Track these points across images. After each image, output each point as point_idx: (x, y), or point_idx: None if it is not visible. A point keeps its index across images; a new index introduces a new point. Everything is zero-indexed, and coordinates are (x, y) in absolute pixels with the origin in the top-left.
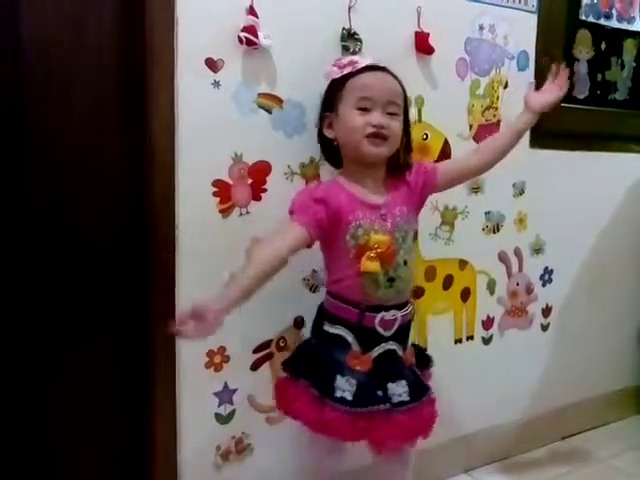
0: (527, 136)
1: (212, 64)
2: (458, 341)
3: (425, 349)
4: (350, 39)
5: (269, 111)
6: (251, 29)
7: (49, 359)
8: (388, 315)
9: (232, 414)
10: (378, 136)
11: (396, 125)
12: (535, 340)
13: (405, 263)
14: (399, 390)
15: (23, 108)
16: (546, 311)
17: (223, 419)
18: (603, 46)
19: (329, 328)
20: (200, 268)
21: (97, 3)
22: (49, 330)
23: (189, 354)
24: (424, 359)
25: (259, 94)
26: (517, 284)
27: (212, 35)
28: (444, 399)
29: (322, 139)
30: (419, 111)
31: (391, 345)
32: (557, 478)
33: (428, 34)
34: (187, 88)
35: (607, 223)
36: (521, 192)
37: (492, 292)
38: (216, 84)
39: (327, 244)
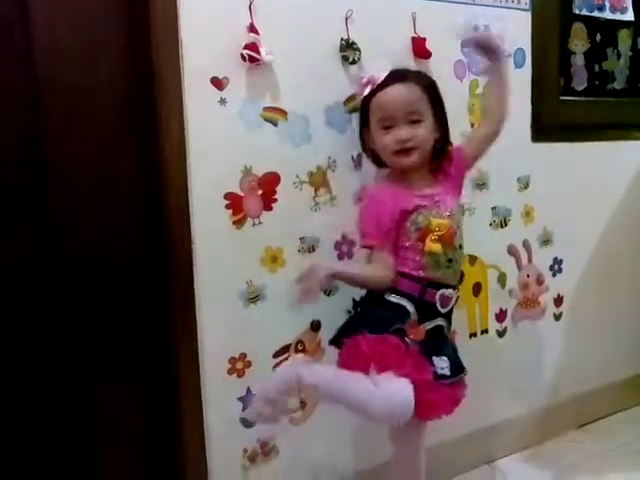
0: (529, 130)
1: (217, 83)
2: (473, 335)
3: None
4: (349, 49)
5: (275, 124)
6: (253, 46)
7: (78, 370)
8: (447, 292)
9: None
10: (405, 150)
11: (421, 131)
12: (549, 330)
13: (460, 247)
14: (442, 364)
15: (42, 141)
16: (558, 301)
17: (248, 423)
18: (598, 37)
19: (392, 298)
20: (218, 279)
21: (106, 34)
22: (78, 343)
23: (212, 362)
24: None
25: (264, 108)
26: (528, 276)
27: (216, 55)
28: None
29: (367, 149)
30: None
31: (441, 321)
32: (577, 466)
33: (424, 39)
34: (195, 107)
35: (613, 210)
36: (526, 186)
37: (503, 285)
38: (222, 101)
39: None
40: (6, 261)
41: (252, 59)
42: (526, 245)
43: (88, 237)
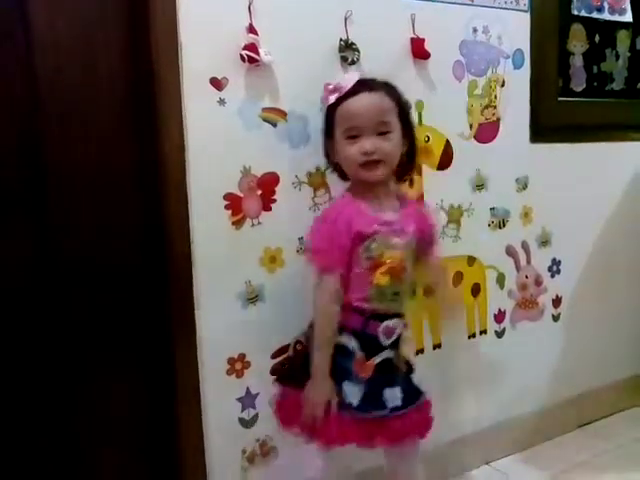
0: (527, 131)
1: (217, 83)
2: (472, 336)
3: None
4: (348, 49)
5: (274, 124)
6: (252, 47)
7: (77, 371)
8: (391, 323)
9: (255, 418)
10: (370, 162)
11: (387, 144)
12: (547, 330)
13: (407, 279)
14: (394, 396)
15: (41, 142)
16: (556, 302)
17: (247, 423)
18: (597, 39)
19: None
20: (217, 279)
21: (105, 35)
22: (76, 344)
23: (211, 363)
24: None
25: (263, 109)
26: (526, 277)
27: (215, 55)
28: (462, 394)
29: (331, 161)
30: (419, 115)
31: (389, 353)
32: (576, 466)
33: (423, 40)
34: (194, 108)
35: (612, 211)
36: (524, 186)
37: (502, 286)
38: (222, 102)
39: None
40: (6, 261)
41: (251, 60)
42: (525, 246)
43: (87, 237)
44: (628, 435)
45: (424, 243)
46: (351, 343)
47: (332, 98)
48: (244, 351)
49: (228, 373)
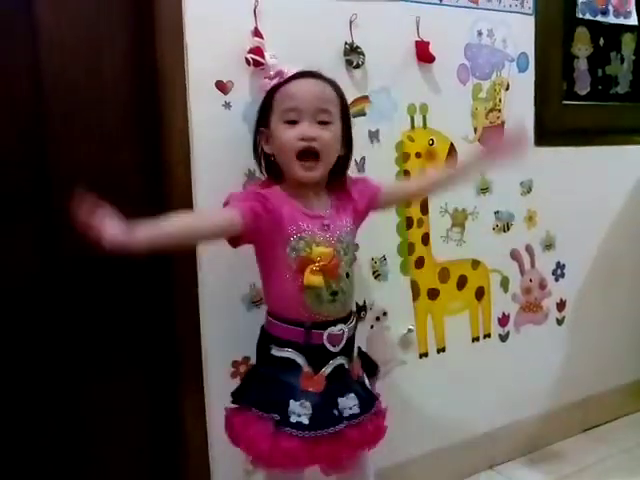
0: (532, 134)
1: (222, 86)
2: (475, 339)
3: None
4: (353, 53)
5: None
6: (257, 50)
7: (80, 374)
8: (336, 330)
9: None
10: (309, 153)
11: (328, 135)
12: (551, 334)
13: (347, 275)
14: (349, 403)
15: (45, 142)
16: (560, 305)
17: None
18: (602, 42)
19: (276, 352)
20: (221, 282)
21: (110, 37)
22: (79, 346)
23: (215, 365)
24: (370, 367)
25: None
26: (530, 280)
27: (221, 59)
28: (465, 397)
29: (259, 154)
30: (424, 118)
31: (340, 360)
32: (581, 471)
33: (428, 43)
34: (200, 111)
35: (616, 215)
36: (529, 190)
37: (506, 289)
38: (227, 105)
39: (266, 258)
40: (10, 261)
41: (256, 63)
42: (529, 249)
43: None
44: (633, 439)
45: (390, 196)
46: (297, 357)
47: (272, 82)
48: (248, 354)
49: (232, 376)
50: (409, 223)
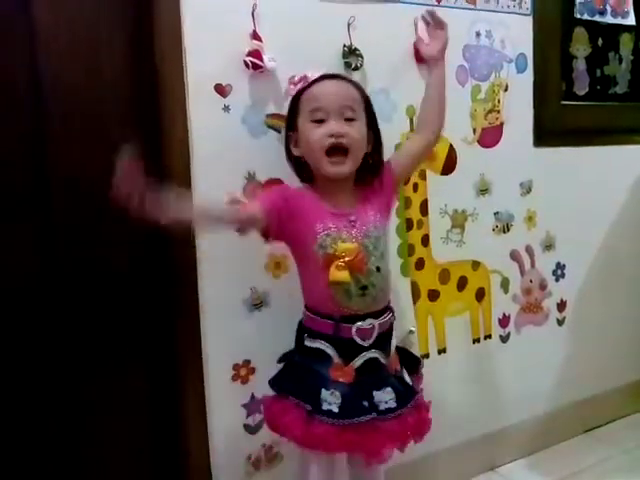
0: (531, 135)
1: (221, 90)
2: (476, 341)
3: (409, 350)
4: (351, 55)
5: (278, 130)
6: (256, 53)
7: (80, 376)
8: (365, 324)
9: (260, 424)
10: (337, 149)
11: (355, 131)
12: (552, 335)
13: (378, 270)
14: (385, 397)
15: (44, 143)
16: (561, 306)
17: (252, 429)
18: (600, 42)
19: (309, 343)
20: (221, 285)
21: (109, 41)
22: (80, 348)
23: (216, 369)
24: (412, 362)
25: (267, 115)
26: (530, 281)
27: (219, 62)
28: (466, 398)
29: (291, 158)
30: None
31: (373, 353)
32: (582, 471)
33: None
34: (199, 114)
35: (616, 215)
36: (528, 190)
37: (506, 290)
38: (226, 108)
39: (298, 256)
40: (10, 262)
41: (255, 66)
42: (529, 250)
43: (91, 241)
44: (634, 440)
45: (400, 166)
46: (328, 349)
47: (297, 87)
48: (249, 357)
49: (233, 379)
50: (409, 225)
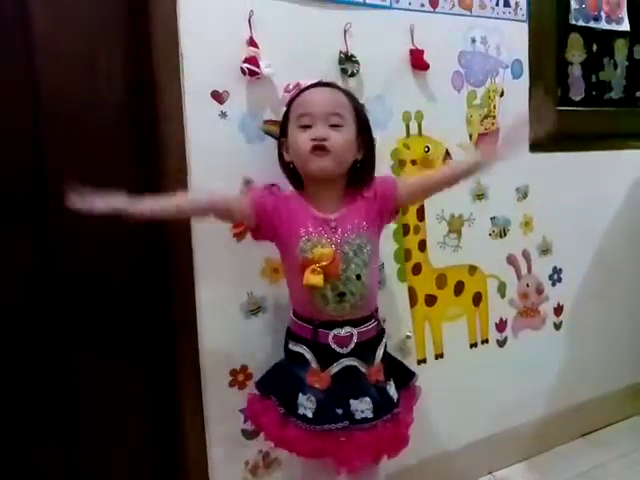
0: (527, 140)
1: (218, 96)
2: (473, 345)
3: (403, 363)
4: (348, 61)
5: (275, 136)
6: (252, 60)
7: (78, 380)
8: (342, 332)
9: (258, 430)
10: (319, 149)
11: (338, 136)
12: (549, 339)
13: (358, 277)
14: (362, 407)
15: (42, 147)
16: (558, 310)
17: (249, 435)
18: (595, 48)
19: (292, 346)
20: (219, 291)
21: (106, 47)
22: (78, 352)
23: (213, 374)
24: (404, 376)
25: (264, 121)
26: (527, 285)
27: (216, 68)
28: (464, 403)
29: (283, 164)
30: (419, 125)
31: (351, 361)
32: (580, 475)
33: (422, 51)
34: (196, 121)
35: (612, 220)
36: (525, 195)
37: (503, 295)
38: (223, 115)
39: (284, 258)
40: (8, 268)
41: (252, 72)
42: (525, 255)
43: (89, 246)
44: (631, 444)
45: (409, 194)
46: (307, 353)
47: (291, 95)
48: (246, 362)
49: (230, 385)
50: (405, 230)
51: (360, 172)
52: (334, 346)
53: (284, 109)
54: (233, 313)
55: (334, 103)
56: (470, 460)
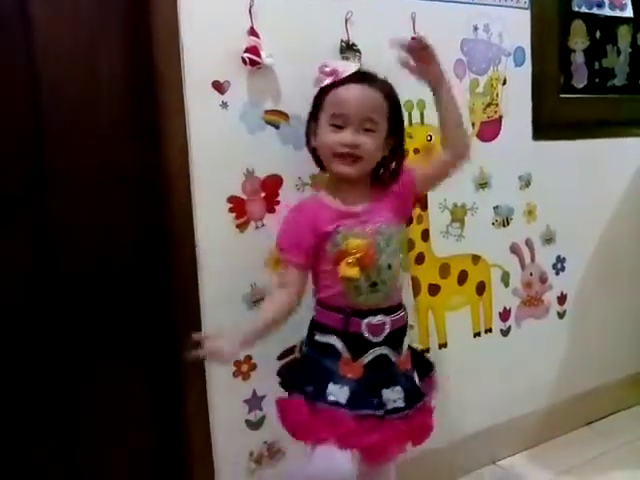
0: (530, 128)
1: (219, 86)
2: (477, 334)
3: (424, 354)
4: (349, 50)
5: (277, 126)
6: (253, 49)
7: (80, 374)
8: (375, 320)
9: (262, 420)
10: (349, 156)
11: (370, 142)
12: (553, 328)
13: (389, 267)
14: (394, 396)
15: (42, 143)
16: (561, 299)
17: (254, 425)
18: (598, 35)
19: (319, 337)
20: (222, 282)
21: (106, 39)
22: (80, 346)
23: (217, 365)
24: (425, 366)
25: (266, 111)
26: (531, 274)
27: (217, 58)
28: (468, 392)
29: (309, 146)
30: (421, 114)
31: (383, 350)
32: (584, 464)
33: None
34: (197, 111)
35: (615, 207)
36: (527, 184)
37: (507, 284)
38: (224, 105)
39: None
40: (6, 262)
41: (253, 62)
42: (529, 244)
43: (90, 241)
44: (635, 432)
45: (424, 177)
46: (337, 343)
47: (327, 81)
48: (250, 353)
49: (235, 375)
50: (409, 219)
51: (387, 169)
52: (367, 334)
53: (317, 90)
54: (236, 304)
55: (370, 107)
56: (474, 449)
